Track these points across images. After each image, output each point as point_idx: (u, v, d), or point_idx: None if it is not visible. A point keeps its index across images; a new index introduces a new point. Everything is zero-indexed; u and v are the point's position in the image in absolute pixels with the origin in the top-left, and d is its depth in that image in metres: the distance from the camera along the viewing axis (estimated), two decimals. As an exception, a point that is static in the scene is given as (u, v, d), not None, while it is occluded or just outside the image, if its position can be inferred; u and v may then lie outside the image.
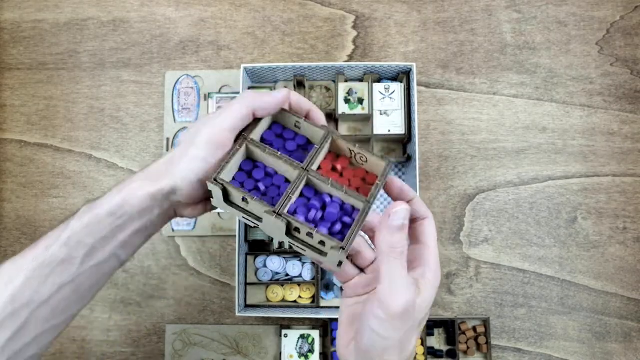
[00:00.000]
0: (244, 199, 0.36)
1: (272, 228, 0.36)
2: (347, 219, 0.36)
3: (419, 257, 0.37)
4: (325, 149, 0.39)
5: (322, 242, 0.35)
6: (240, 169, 0.39)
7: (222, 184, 0.36)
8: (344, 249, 0.34)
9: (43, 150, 0.79)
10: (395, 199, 0.40)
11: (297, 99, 0.40)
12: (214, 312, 0.75)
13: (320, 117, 0.41)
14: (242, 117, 0.37)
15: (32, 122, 0.79)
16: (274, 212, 0.35)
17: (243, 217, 0.37)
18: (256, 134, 0.39)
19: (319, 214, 0.36)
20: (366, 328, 0.34)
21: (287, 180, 0.38)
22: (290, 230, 0.36)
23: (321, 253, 0.35)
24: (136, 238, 0.40)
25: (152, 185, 0.38)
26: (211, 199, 0.38)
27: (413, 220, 0.39)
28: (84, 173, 0.78)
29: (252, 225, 0.38)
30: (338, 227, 0.36)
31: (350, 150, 0.38)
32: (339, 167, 0.39)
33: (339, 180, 0.38)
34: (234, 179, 0.38)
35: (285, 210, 0.35)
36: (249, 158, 0.39)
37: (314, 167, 0.38)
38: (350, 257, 0.40)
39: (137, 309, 0.75)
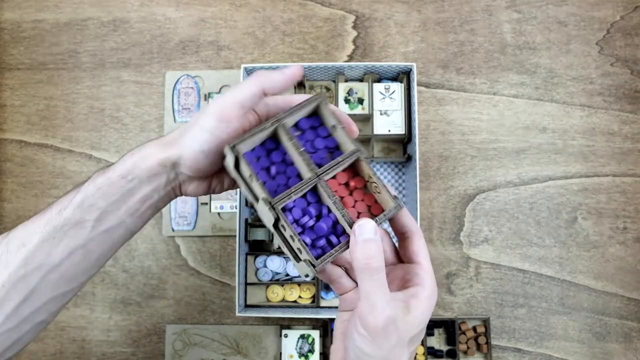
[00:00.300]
0: (250, 176, 0.36)
1: (264, 214, 0.36)
2: (333, 239, 0.36)
3: (413, 276, 0.37)
4: (346, 165, 0.38)
5: (300, 250, 0.35)
6: (263, 144, 0.39)
7: (236, 154, 0.36)
8: (314, 267, 0.34)
9: (43, 150, 0.79)
10: None
11: (337, 110, 0.40)
12: (214, 312, 0.75)
13: (352, 129, 0.41)
14: (252, 94, 0.37)
15: (32, 122, 0.79)
16: (269, 202, 0.35)
17: (245, 190, 0.37)
18: (293, 119, 0.39)
19: (311, 222, 0.36)
20: (351, 344, 0.35)
21: (298, 175, 0.38)
22: (277, 224, 0.36)
23: (296, 257, 0.35)
24: (144, 206, 0.40)
25: (161, 152, 0.39)
26: (224, 160, 0.37)
27: (402, 237, 0.39)
28: (84, 173, 0.78)
29: (250, 199, 0.37)
30: (322, 242, 0.36)
31: (369, 177, 0.38)
32: (352, 184, 0.39)
33: (346, 198, 0.38)
34: (253, 149, 0.38)
35: (281, 206, 0.35)
36: (276, 139, 0.39)
37: (328, 177, 0.38)
38: (347, 270, 0.40)
39: (137, 309, 0.75)
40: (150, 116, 0.79)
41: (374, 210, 0.38)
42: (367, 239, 0.33)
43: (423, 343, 0.71)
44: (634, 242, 0.75)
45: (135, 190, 0.39)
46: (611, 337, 0.73)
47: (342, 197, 0.38)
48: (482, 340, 0.72)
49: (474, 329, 0.72)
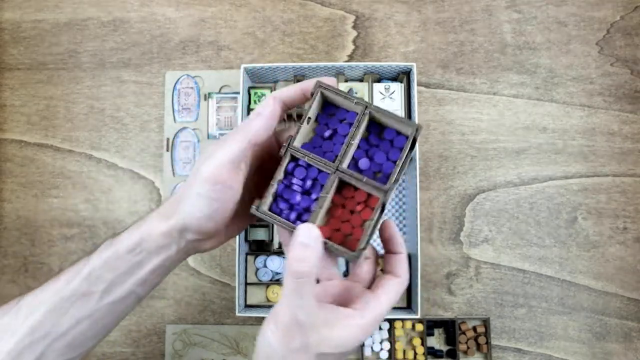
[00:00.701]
0: (308, 117, 0.39)
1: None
2: (292, 215, 0.38)
3: (363, 301, 0.36)
4: (365, 189, 0.38)
5: (269, 188, 0.38)
6: (348, 111, 0.40)
7: (312, 91, 0.39)
8: (256, 209, 0.38)
9: (43, 150, 0.79)
10: (383, 242, 0.40)
11: None
12: (214, 312, 0.75)
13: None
14: (241, 150, 0.37)
15: (32, 122, 0.79)
16: (287, 144, 0.38)
17: (304, 121, 0.40)
18: (380, 117, 0.39)
19: (296, 188, 0.38)
20: (263, 327, 0.35)
21: (335, 157, 0.39)
22: (286, 152, 0.39)
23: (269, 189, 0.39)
24: (154, 275, 0.40)
25: (165, 223, 0.39)
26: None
27: (387, 273, 0.39)
28: (84, 173, 0.78)
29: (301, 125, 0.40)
30: (284, 206, 0.38)
31: (372, 219, 0.38)
32: (359, 208, 0.38)
33: (346, 211, 0.39)
34: (337, 107, 0.41)
35: (289, 154, 0.38)
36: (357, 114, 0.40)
37: (345, 179, 0.38)
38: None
39: (137, 308, 0.75)
40: (150, 116, 0.79)
41: (349, 242, 0.38)
42: (303, 243, 0.33)
43: (423, 343, 0.71)
44: (634, 242, 0.75)
45: (144, 263, 0.39)
46: (611, 337, 0.73)
47: (343, 206, 0.39)
48: (482, 340, 0.72)
49: (474, 329, 0.72)
